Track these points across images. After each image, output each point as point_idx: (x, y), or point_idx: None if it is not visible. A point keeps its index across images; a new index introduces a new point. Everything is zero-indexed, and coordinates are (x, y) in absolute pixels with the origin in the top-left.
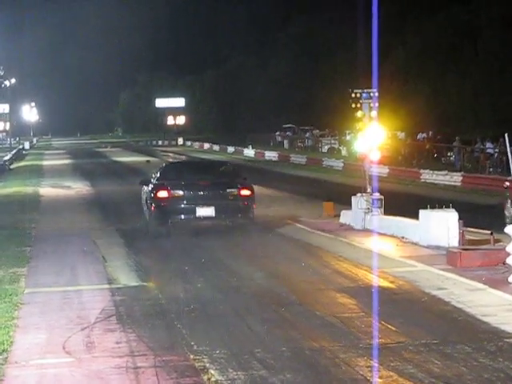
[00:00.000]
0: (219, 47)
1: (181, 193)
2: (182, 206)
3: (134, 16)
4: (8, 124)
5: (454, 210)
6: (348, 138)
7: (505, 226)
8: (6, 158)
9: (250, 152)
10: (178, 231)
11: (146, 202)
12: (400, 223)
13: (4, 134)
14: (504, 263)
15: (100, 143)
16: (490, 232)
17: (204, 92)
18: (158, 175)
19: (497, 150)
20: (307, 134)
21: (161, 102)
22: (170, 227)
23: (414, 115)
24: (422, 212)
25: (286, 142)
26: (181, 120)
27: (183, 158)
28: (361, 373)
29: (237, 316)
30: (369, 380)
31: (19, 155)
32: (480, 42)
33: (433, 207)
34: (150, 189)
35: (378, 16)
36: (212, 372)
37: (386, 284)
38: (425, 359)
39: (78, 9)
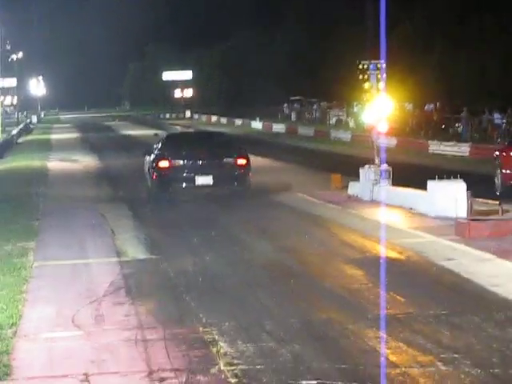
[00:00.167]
0: (227, 21)
1: (181, 162)
2: (182, 174)
3: None
4: (15, 98)
5: (462, 180)
6: (355, 109)
7: (495, 194)
8: (14, 132)
9: (257, 125)
10: (185, 201)
11: (149, 171)
12: (408, 194)
13: (12, 107)
14: None
15: (108, 117)
16: (498, 202)
17: (212, 65)
18: (160, 146)
19: (504, 121)
20: (315, 106)
21: (168, 75)
22: (171, 194)
23: (421, 86)
24: (430, 183)
25: (293, 114)
26: (188, 93)
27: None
28: (369, 344)
29: (246, 288)
30: (377, 351)
31: (27, 129)
32: (488, 15)
33: (441, 178)
34: (152, 159)
35: None
36: (221, 344)
37: (394, 255)
38: (434, 330)
39: None
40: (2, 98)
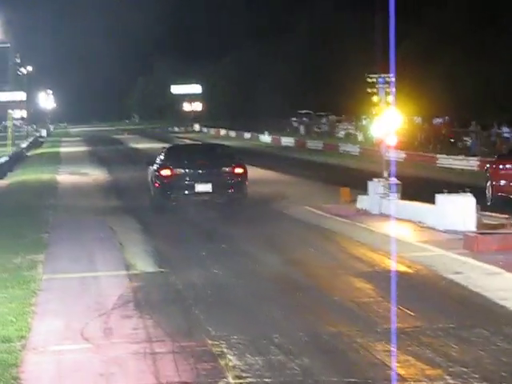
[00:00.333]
0: (234, 34)
1: (182, 171)
2: (183, 182)
3: (151, 2)
4: (25, 112)
5: (470, 194)
6: (364, 123)
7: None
8: (23, 145)
9: (266, 138)
10: (192, 214)
11: (151, 179)
12: (417, 208)
13: (21, 121)
14: None
15: (117, 130)
16: (506, 216)
17: (220, 79)
18: (162, 156)
19: None
20: (323, 120)
21: (176, 89)
22: (173, 201)
23: (430, 100)
24: (438, 197)
25: (302, 127)
26: (197, 106)
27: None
28: (378, 357)
29: (255, 301)
30: (386, 364)
31: (36, 142)
32: (497, 26)
33: (449, 192)
34: (154, 168)
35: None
36: (229, 357)
37: (403, 268)
38: (442, 343)
39: None
40: (12, 111)
